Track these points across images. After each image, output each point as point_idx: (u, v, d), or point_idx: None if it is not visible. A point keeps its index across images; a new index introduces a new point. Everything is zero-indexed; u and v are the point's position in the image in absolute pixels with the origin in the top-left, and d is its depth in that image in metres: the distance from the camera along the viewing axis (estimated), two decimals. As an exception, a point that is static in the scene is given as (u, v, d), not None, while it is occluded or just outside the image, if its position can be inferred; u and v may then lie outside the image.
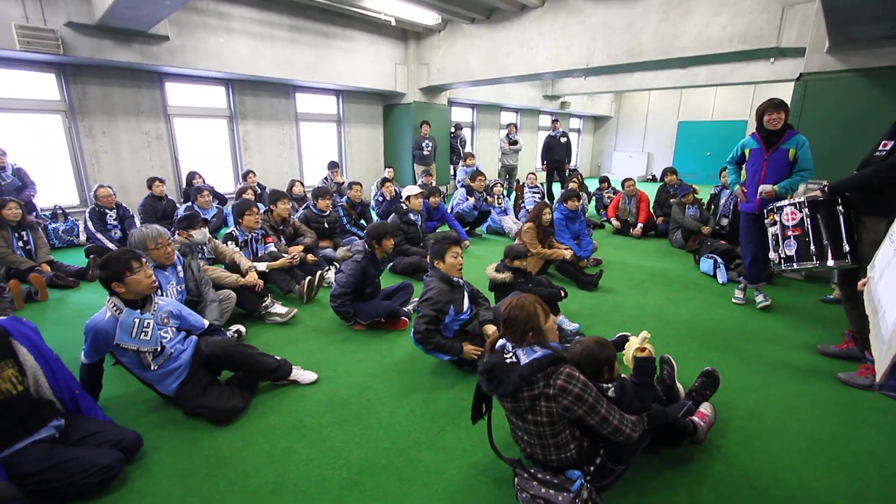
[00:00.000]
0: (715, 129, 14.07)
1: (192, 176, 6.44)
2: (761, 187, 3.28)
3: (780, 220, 2.86)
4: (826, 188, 2.69)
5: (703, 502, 1.74)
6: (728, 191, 5.56)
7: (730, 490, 1.80)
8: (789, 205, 2.83)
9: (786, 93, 4.82)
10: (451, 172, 10.16)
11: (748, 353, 2.97)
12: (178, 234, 3.37)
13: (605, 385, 1.76)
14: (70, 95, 5.99)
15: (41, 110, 5.95)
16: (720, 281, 4.42)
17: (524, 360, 1.62)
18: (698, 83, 10.59)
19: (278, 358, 2.52)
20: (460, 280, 2.79)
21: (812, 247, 2.72)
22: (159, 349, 2.22)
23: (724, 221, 5.51)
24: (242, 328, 3.21)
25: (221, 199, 6.37)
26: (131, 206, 5.46)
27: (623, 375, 1.86)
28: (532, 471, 1.69)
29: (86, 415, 2.02)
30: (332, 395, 2.46)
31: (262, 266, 3.70)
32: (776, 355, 2.92)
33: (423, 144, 8.65)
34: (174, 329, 2.35)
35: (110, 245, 4.70)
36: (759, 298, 3.71)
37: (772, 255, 2.95)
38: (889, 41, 4.06)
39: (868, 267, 1.34)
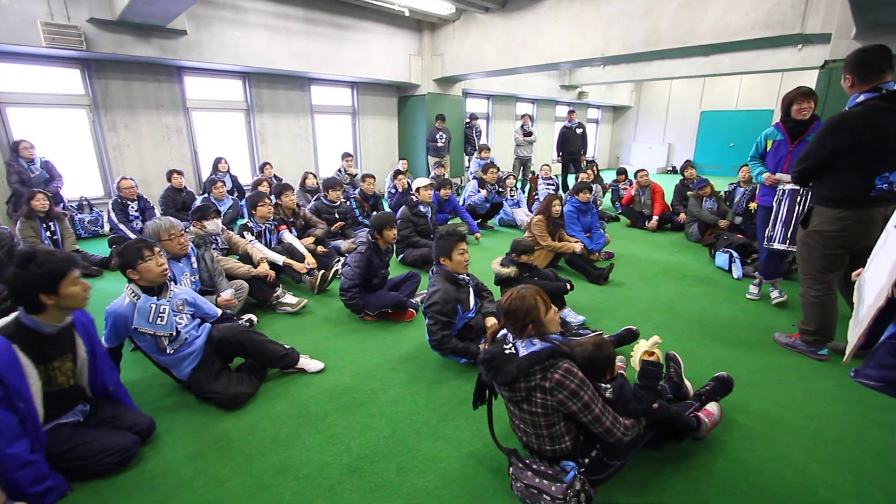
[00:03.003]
0: (739, 119, 13.62)
1: (217, 161, 6.58)
2: (779, 175, 3.22)
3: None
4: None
5: (701, 499, 1.73)
6: (742, 189, 5.44)
7: (729, 487, 1.78)
8: (780, 191, 3.06)
9: (814, 81, 4.63)
10: (466, 164, 10.12)
11: (759, 349, 2.92)
12: (193, 225, 3.47)
13: (603, 385, 1.74)
14: (94, 90, 6.17)
15: (67, 105, 6.16)
16: (735, 276, 4.33)
17: (523, 352, 1.63)
18: (721, 71, 10.25)
19: (287, 346, 2.59)
20: (465, 277, 2.80)
21: (771, 229, 3.09)
22: (174, 334, 2.31)
23: (738, 220, 5.38)
24: (254, 317, 3.30)
25: (241, 192, 6.49)
26: (152, 198, 5.64)
27: (623, 374, 1.85)
28: (527, 461, 1.71)
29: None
30: (337, 384, 2.52)
31: (279, 259, 3.79)
32: (788, 352, 2.86)
33: (437, 136, 8.63)
34: (189, 316, 2.44)
35: (132, 235, 4.87)
36: (774, 294, 3.62)
37: None
38: (921, 26, 3.88)
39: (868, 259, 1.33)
